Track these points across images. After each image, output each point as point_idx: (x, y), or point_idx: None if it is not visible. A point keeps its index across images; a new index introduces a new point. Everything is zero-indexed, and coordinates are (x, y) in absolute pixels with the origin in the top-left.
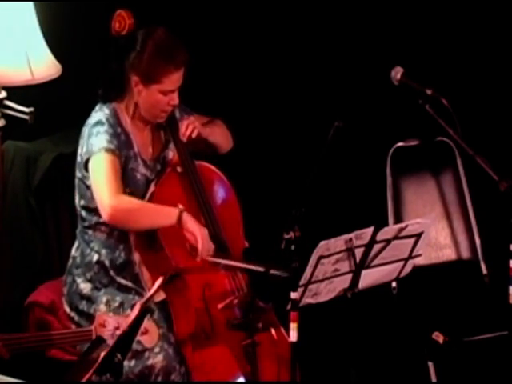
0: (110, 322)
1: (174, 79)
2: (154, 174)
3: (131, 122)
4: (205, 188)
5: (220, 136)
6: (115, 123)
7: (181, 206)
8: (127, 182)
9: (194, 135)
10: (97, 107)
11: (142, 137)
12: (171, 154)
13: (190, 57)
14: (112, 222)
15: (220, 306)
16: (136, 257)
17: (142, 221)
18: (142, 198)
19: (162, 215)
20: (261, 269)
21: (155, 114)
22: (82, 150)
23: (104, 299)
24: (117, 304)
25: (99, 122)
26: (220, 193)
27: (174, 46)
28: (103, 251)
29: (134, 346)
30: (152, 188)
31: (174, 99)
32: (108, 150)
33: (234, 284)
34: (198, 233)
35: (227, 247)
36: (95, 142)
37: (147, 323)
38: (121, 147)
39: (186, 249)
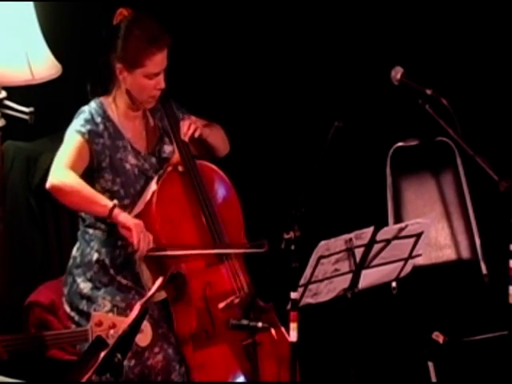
0: (105, 321)
1: (157, 61)
2: (149, 166)
3: (121, 113)
4: (206, 187)
5: (219, 138)
6: (100, 115)
7: (115, 201)
8: (116, 172)
9: (196, 134)
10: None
11: (133, 128)
12: (169, 149)
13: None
14: (50, 190)
15: (221, 305)
16: (136, 256)
17: (77, 200)
18: (137, 191)
19: (97, 204)
20: (223, 251)
21: (143, 99)
22: None
23: (106, 299)
24: (118, 304)
25: (81, 112)
26: (221, 192)
27: (156, 29)
28: (103, 250)
29: (134, 346)
30: (153, 187)
31: (160, 83)
32: (78, 132)
33: (234, 284)
34: (131, 225)
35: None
36: (70, 127)
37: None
38: (97, 134)
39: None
